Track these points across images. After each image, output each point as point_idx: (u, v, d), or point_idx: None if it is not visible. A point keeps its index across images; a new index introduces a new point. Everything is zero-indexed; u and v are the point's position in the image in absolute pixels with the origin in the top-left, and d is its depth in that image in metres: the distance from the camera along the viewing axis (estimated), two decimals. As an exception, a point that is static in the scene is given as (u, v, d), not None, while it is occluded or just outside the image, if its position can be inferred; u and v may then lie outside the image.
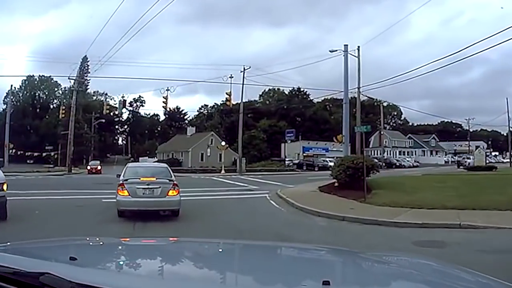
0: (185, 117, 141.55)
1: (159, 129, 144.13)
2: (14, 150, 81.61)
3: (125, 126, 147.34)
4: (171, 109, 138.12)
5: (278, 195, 27.53)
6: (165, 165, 20.53)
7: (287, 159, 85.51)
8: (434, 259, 3.79)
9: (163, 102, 47.25)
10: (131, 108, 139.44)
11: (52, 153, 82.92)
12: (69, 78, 60.03)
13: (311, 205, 21.62)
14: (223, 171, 63.84)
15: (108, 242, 4.34)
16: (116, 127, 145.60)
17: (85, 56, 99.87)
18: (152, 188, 16.56)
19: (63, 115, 63.56)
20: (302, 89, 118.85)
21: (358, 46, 45.36)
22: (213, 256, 3.79)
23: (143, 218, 16.05)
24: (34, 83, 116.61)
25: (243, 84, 61.04)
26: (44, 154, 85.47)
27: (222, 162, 67.18)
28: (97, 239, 4.45)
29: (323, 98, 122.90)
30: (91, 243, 4.20)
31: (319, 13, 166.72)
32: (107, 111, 55.70)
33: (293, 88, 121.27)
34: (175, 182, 17.17)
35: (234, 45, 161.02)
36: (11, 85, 64.47)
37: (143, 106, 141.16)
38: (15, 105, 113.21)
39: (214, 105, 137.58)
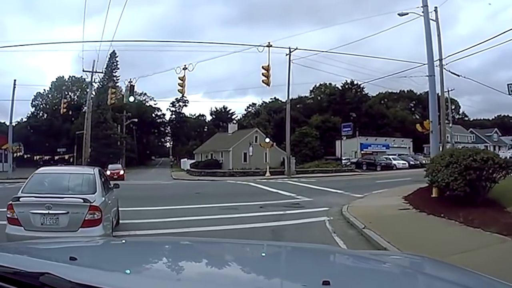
0: (233, 117, 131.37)
1: (205, 129, 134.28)
2: (43, 155, 73.13)
3: (168, 127, 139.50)
4: (218, 109, 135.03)
5: (345, 219, 15.90)
6: (91, 171, 12.05)
7: (343, 158, 74.10)
8: (435, 259, 3.76)
9: (179, 84, 35.60)
10: (173, 109, 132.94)
11: (67, 156, 73.15)
12: (83, 71, 50.56)
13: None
14: (268, 174, 52.20)
15: (108, 242, 4.43)
16: (161, 128, 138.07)
17: (114, 51, 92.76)
18: (55, 214, 10.03)
19: (64, 110, 54.60)
20: (355, 82, 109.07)
21: (436, 7, 32.99)
22: (212, 256, 3.58)
23: None
24: (64, 84, 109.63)
25: (289, 68, 51.19)
26: (56, 157, 75.79)
27: (267, 162, 55.25)
28: (97, 239, 5.10)
29: (377, 92, 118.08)
30: (91, 243, 4.21)
31: (365, 11, 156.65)
32: (113, 101, 46.09)
33: (346, 81, 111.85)
34: (94, 203, 10.23)
35: (282, 45, 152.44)
36: (14, 80, 54.30)
37: (186, 106, 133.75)
38: (43, 108, 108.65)
39: (262, 103, 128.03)
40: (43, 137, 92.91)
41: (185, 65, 35.32)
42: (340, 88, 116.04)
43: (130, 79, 40.16)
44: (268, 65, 35.35)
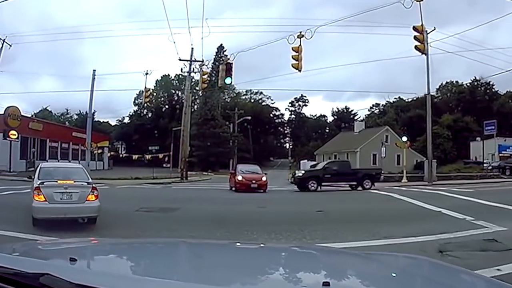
0: (355, 118, 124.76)
1: (327, 130, 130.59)
2: (148, 155, 68.37)
3: (287, 128, 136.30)
4: (339, 109, 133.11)
5: None
6: (80, 165, 18.10)
7: (484, 161, 64.03)
8: (435, 259, 3.78)
9: (293, 58, 27.26)
10: (293, 108, 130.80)
11: (161, 155, 66.76)
12: (179, 60, 46.75)
13: None
14: (404, 179, 43.39)
15: (108, 243, 4.35)
16: (280, 129, 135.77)
17: (221, 44, 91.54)
18: (70, 192, 14.11)
19: (147, 101, 49.48)
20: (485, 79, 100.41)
21: None
22: (212, 257, 3.44)
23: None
24: (170, 82, 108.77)
25: (427, 50, 42.06)
26: (149, 156, 69.49)
27: (403, 165, 45.90)
28: (97, 240, 4.98)
29: (505, 91, 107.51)
30: (91, 244, 4.12)
31: (481, 10, 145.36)
32: (205, 85, 42.90)
33: (475, 77, 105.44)
34: (93, 185, 14.68)
35: (402, 47, 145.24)
36: (93, 70, 52.10)
37: (306, 105, 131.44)
38: (147, 106, 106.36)
39: (386, 103, 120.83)
40: (147, 135, 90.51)
41: (300, 32, 27.50)
42: (468, 85, 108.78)
43: (227, 56, 33.54)
44: (422, 25, 26.00)
